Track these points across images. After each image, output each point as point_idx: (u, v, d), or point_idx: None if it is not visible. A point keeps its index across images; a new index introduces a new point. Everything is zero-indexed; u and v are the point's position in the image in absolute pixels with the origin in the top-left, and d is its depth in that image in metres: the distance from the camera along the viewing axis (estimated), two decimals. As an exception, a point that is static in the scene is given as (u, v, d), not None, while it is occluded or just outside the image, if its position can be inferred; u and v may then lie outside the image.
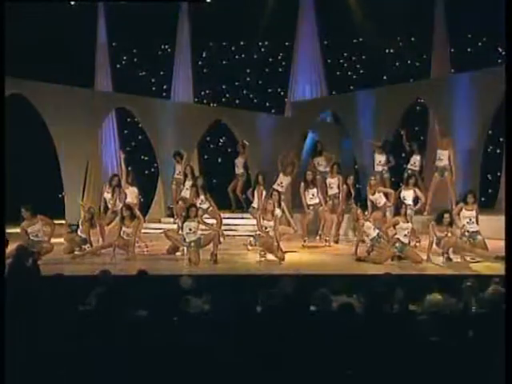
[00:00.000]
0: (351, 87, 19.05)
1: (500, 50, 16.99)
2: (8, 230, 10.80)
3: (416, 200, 13.27)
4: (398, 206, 11.88)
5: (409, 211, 11.95)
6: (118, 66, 19.78)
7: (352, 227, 13.41)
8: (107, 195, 13.49)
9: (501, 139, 16.11)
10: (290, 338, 5.74)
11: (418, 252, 11.73)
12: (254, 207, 13.58)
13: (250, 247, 12.44)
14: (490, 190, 16.88)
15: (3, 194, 10.38)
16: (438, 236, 11.53)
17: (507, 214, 7.92)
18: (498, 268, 9.79)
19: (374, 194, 13.27)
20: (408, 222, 11.62)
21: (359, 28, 18.50)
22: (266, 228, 11.90)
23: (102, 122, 16.93)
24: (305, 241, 13.35)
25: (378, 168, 15.03)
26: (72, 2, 18.52)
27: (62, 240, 12.46)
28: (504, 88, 8.45)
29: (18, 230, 11.74)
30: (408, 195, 13.14)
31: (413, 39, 18.62)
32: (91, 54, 18.91)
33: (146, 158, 18.89)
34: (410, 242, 11.77)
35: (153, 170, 18.40)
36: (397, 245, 11.47)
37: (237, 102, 19.73)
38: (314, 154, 15.91)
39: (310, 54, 19.18)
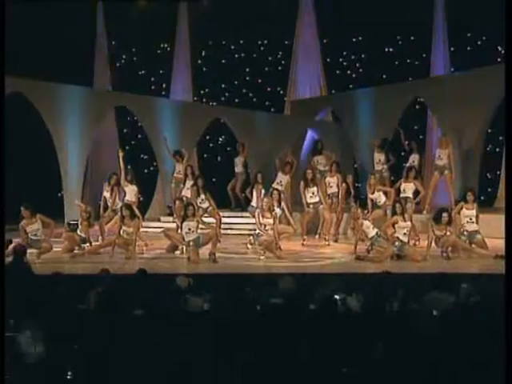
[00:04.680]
0: (350, 86, 19.01)
1: (499, 48, 16.95)
2: (7, 229, 10.78)
3: (416, 193, 13.30)
4: (395, 206, 11.83)
5: (409, 204, 11.96)
6: (118, 64, 19.75)
7: (351, 226, 13.41)
8: (107, 194, 13.52)
9: (500, 138, 16.10)
10: (290, 336, 5.74)
11: (417, 251, 11.74)
12: (253, 206, 13.58)
13: (249, 246, 12.47)
14: (489, 189, 16.87)
15: (3, 193, 10.36)
16: (437, 235, 11.55)
17: (507, 212, 7.92)
18: (498, 267, 9.79)
19: (373, 192, 13.27)
20: (406, 220, 11.62)
21: (359, 27, 18.46)
22: (265, 226, 11.91)
23: (102, 121, 16.90)
24: (304, 240, 13.35)
25: (378, 167, 15.05)
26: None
27: (61, 239, 12.45)
28: (503, 87, 8.45)
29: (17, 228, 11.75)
30: (408, 188, 13.18)
31: (412, 38, 18.58)
32: (91, 52, 18.89)
33: (146, 157, 18.87)
34: (409, 241, 11.78)
35: (152, 168, 18.38)
36: (396, 244, 11.49)
37: (236, 100, 19.68)
38: (314, 152, 15.92)
39: (309, 52, 19.15)
